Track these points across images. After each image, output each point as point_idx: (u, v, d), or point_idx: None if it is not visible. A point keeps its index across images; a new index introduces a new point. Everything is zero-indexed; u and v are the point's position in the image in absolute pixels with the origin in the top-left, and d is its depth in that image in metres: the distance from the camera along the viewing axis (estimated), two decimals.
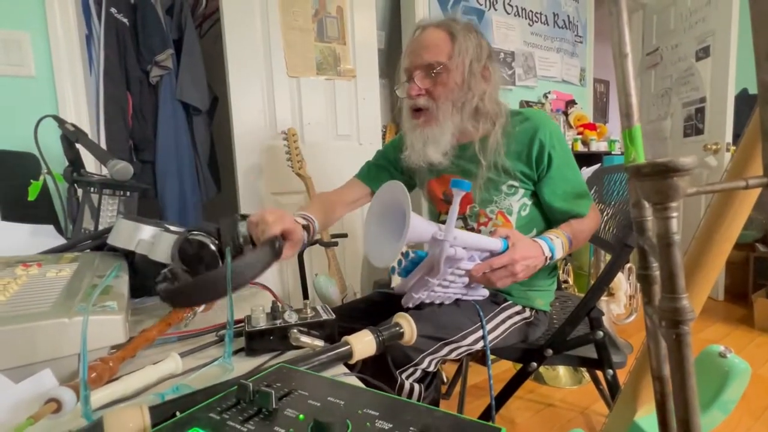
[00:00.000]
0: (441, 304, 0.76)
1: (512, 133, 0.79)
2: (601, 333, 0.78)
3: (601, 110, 4.94)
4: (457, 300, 0.76)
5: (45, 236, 0.78)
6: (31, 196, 0.92)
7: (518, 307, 0.82)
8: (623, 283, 1.75)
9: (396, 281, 0.79)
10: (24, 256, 0.68)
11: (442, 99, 0.77)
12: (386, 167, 0.94)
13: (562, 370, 1.49)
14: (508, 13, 2.17)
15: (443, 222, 0.87)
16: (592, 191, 1.15)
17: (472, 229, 0.85)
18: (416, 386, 0.69)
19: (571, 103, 2.44)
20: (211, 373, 0.42)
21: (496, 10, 2.12)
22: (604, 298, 1.63)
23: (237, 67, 1.43)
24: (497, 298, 0.81)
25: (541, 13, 2.31)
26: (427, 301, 0.73)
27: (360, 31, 1.64)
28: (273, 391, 0.28)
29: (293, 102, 1.53)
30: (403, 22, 1.93)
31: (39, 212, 0.95)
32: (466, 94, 0.77)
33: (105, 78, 1.25)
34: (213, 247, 0.62)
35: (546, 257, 0.70)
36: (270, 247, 0.55)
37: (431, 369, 0.71)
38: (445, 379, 1.54)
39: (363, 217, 1.62)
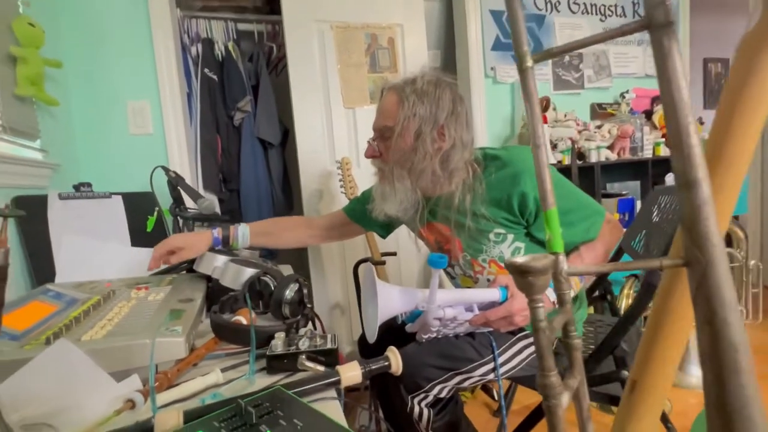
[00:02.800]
0: (457, 336, 0.80)
1: (490, 181, 0.79)
2: (626, 372, 0.75)
3: (717, 94, 4.20)
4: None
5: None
6: (149, 227, 1.22)
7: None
8: None
9: None
10: (140, 277, 0.93)
11: (391, 161, 0.81)
12: (365, 207, 0.96)
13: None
14: (574, 13, 2.04)
15: (450, 266, 0.92)
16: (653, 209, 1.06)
17: (470, 277, 0.88)
18: (425, 410, 0.76)
19: (658, 99, 2.17)
20: (240, 385, 0.57)
21: (558, 12, 2.01)
22: None
23: (300, 103, 1.64)
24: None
25: (616, 6, 2.12)
26: (440, 336, 0.78)
27: (411, 57, 1.74)
28: (254, 411, 0.40)
29: (349, 130, 1.69)
30: (457, 39, 1.96)
31: (155, 239, 1.25)
32: (415, 156, 0.78)
33: (201, 127, 1.56)
34: (273, 290, 0.78)
35: (552, 301, 0.71)
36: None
37: (443, 395, 0.77)
38: (496, 396, 1.54)
39: (410, 236, 1.71)
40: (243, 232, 0.99)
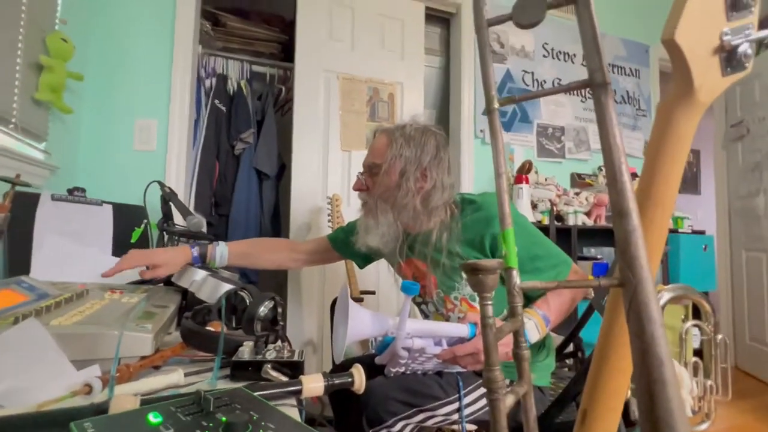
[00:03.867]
0: (425, 374, 0.80)
1: (465, 222, 0.84)
2: None
3: (691, 181, 4.49)
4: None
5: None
6: (133, 238, 1.23)
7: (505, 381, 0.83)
8: (686, 381, 1.54)
9: None
10: (116, 284, 0.93)
11: (376, 195, 0.87)
12: (348, 237, 1.00)
13: None
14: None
15: (424, 303, 0.95)
16: None
17: (441, 315, 0.90)
18: None
19: (635, 176, 2.34)
20: (200, 387, 0.56)
21: (544, 89, 2.24)
22: None
23: (300, 141, 1.73)
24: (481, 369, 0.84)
25: None
26: (408, 372, 0.78)
27: (408, 112, 1.88)
28: (212, 398, 0.41)
29: (343, 171, 1.78)
30: (451, 102, 2.14)
31: None
32: (399, 192, 0.84)
33: (202, 151, 1.64)
34: (247, 305, 0.78)
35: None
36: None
37: None
38: None
39: (391, 275, 1.72)
40: (221, 252, 0.99)
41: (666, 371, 0.35)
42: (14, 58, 0.96)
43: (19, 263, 0.94)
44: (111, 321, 0.60)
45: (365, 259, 1.08)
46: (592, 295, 1.51)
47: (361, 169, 0.93)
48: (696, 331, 1.10)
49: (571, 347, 1.23)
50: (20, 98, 0.98)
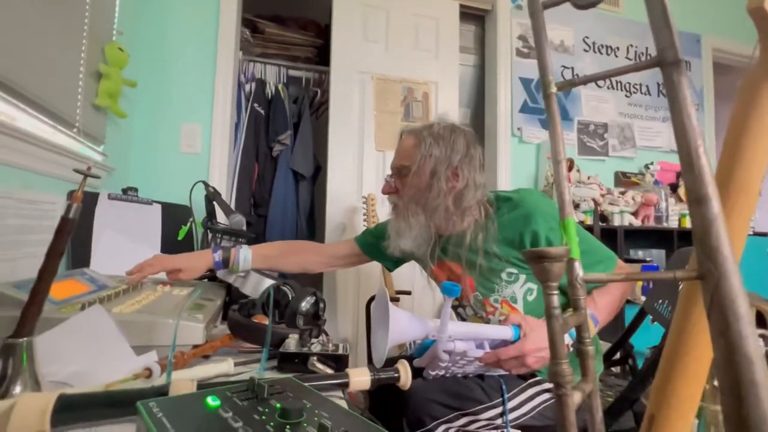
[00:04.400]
0: (465, 376, 0.77)
1: (502, 221, 0.81)
2: None
3: None
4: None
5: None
6: (180, 236, 1.28)
7: (547, 384, 0.80)
8: None
9: None
10: (165, 278, 0.98)
11: (406, 197, 0.84)
12: (377, 241, 0.98)
13: None
14: (600, 87, 2.17)
15: (461, 306, 0.92)
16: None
17: (481, 318, 0.87)
18: None
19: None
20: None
21: (585, 85, 2.14)
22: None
23: (336, 142, 1.76)
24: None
25: (641, 84, 2.24)
26: (448, 375, 0.75)
27: (442, 110, 1.86)
28: (266, 385, 0.41)
29: (378, 171, 1.78)
30: (487, 101, 2.09)
31: (183, 249, 1.31)
32: (430, 193, 0.81)
33: (242, 153, 1.69)
34: (290, 300, 0.79)
35: (566, 345, 0.69)
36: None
37: None
38: None
39: (423, 274, 1.70)
40: (245, 255, 0.95)
41: (758, 372, 0.31)
42: (78, 67, 1.04)
43: (80, 256, 1.01)
44: (165, 311, 0.63)
45: (395, 262, 1.06)
46: (642, 299, 1.42)
47: (389, 172, 0.92)
48: (760, 342, 1.01)
49: (618, 354, 1.16)
50: (82, 104, 1.05)
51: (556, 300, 0.33)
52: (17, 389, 0.42)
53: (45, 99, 0.90)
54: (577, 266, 0.38)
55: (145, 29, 1.52)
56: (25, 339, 0.42)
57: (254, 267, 1.00)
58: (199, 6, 1.61)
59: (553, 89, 0.38)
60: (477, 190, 0.83)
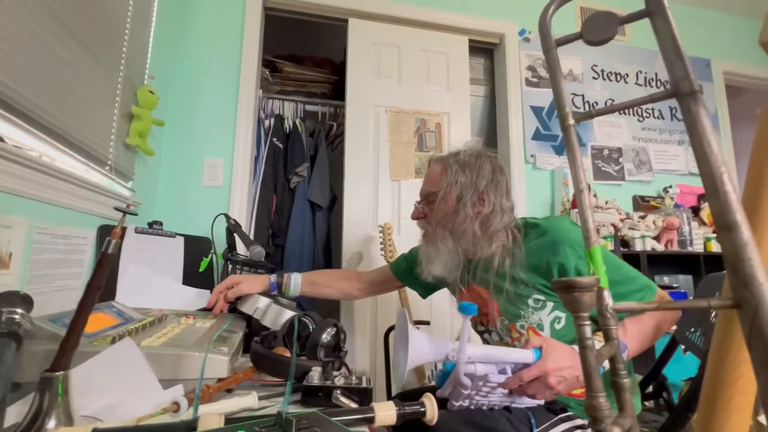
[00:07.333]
0: (492, 409, 0.76)
1: (529, 247, 0.81)
2: None
3: None
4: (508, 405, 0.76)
5: (205, 297, 1.10)
6: (201, 268, 1.31)
7: (579, 420, 0.76)
8: None
9: None
10: (188, 311, 0.99)
11: (434, 222, 0.87)
12: (411, 266, 1.01)
13: None
14: (611, 113, 2.18)
15: (487, 331, 0.90)
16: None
17: (507, 344, 0.85)
18: None
19: (704, 196, 2.15)
20: (273, 412, 0.57)
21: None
22: None
23: (352, 173, 1.79)
24: (554, 406, 0.77)
25: (653, 108, 2.25)
26: (472, 407, 0.73)
27: (455, 141, 1.90)
28: (294, 420, 0.41)
29: (393, 200, 1.80)
30: (499, 130, 2.13)
31: (204, 280, 1.33)
32: (457, 218, 0.83)
33: (261, 185, 1.74)
34: (311, 332, 0.78)
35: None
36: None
37: None
38: None
39: (448, 304, 1.67)
40: (296, 280, 1.06)
41: None
42: (113, 109, 1.11)
43: (107, 288, 1.03)
44: (191, 344, 0.64)
45: (428, 288, 1.06)
46: (672, 328, 1.36)
47: (418, 198, 0.94)
48: None
49: (651, 387, 1.10)
50: (115, 143, 1.11)
51: (588, 330, 0.32)
52: (51, 423, 0.42)
53: (82, 140, 0.96)
54: (607, 295, 0.37)
55: (174, 70, 1.62)
56: (61, 373, 0.43)
57: (302, 292, 1.08)
58: (223, 49, 1.71)
59: (571, 121, 0.39)
60: (504, 215, 0.84)
